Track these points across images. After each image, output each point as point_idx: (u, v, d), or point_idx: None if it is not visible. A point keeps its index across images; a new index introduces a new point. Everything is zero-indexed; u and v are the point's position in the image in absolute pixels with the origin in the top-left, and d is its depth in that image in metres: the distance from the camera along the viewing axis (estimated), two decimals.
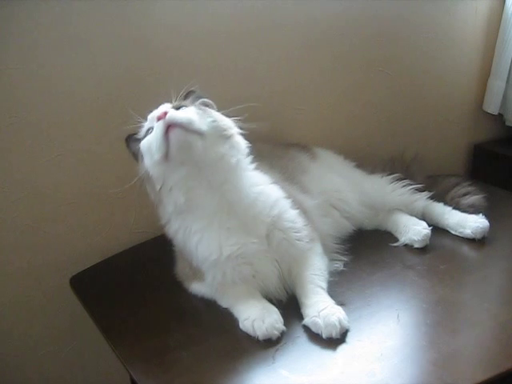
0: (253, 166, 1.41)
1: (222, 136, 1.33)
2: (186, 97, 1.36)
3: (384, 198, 1.76)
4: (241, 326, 1.28)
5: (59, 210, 1.63)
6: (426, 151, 2.06)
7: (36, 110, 1.54)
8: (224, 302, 1.37)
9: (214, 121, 1.32)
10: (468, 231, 1.64)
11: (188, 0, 1.68)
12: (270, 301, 1.33)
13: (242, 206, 1.33)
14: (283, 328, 1.24)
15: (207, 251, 1.33)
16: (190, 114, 1.29)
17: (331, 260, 1.48)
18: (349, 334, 1.22)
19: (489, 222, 1.65)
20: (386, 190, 1.78)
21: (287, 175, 1.58)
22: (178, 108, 1.31)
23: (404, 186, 1.79)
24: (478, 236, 1.63)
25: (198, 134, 1.27)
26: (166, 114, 1.26)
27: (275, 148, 1.74)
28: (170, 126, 1.25)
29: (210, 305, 1.38)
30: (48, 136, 1.58)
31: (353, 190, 1.75)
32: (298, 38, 1.91)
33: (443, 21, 2.19)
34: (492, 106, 2.32)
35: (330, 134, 2.06)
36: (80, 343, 1.76)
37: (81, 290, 1.54)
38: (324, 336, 1.20)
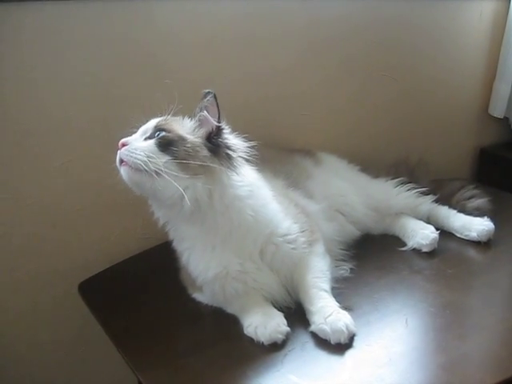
0: (245, 185, 1.33)
1: (185, 172, 1.22)
2: (203, 97, 1.31)
3: (389, 202, 1.77)
4: (245, 332, 1.28)
5: (67, 216, 1.64)
6: (431, 155, 2.07)
7: (43, 117, 1.55)
8: (228, 309, 1.37)
9: (173, 158, 1.22)
10: (473, 234, 1.65)
11: (190, 5, 1.68)
12: (279, 308, 1.32)
13: (229, 228, 1.30)
14: (287, 329, 1.25)
15: (195, 271, 1.34)
16: (140, 154, 1.21)
17: (336, 266, 1.48)
18: (357, 339, 1.22)
19: (494, 224, 1.65)
20: (391, 193, 1.79)
21: (291, 181, 1.58)
22: (152, 135, 1.28)
23: (409, 189, 1.80)
24: (484, 239, 1.64)
25: (147, 173, 1.21)
26: (123, 145, 1.26)
27: (279, 153, 1.75)
28: (122, 160, 1.25)
29: (217, 310, 1.38)
30: (56, 142, 1.59)
31: (358, 194, 1.75)
32: (303, 44, 1.91)
33: (448, 25, 2.19)
34: (498, 110, 2.32)
35: (335, 138, 2.07)
36: (88, 349, 1.77)
37: (89, 296, 1.54)
38: (332, 342, 1.20)
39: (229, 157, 1.29)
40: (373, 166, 1.91)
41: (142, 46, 1.64)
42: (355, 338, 1.22)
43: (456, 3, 2.18)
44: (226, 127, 1.32)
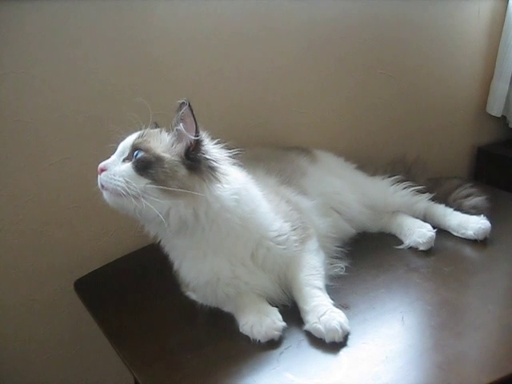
0: (232, 194, 1.29)
1: (165, 195, 1.21)
2: (179, 109, 1.25)
3: (385, 200, 1.77)
4: (241, 330, 1.27)
5: (63, 213, 1.64)
6: (429, 153, 2.07)
7: (40, 114, 1.55)
8: (223, 308, 1.36)
9: (151, 181, 1.20)
10: (470, 232, 1.66)
11: (189, 4, 1.68)
12: (275, 305, 1.32)
13: (219, 238, 1.29)
14: (283, 325, 1.25)
15: (187, 277, 1.34)
16: (119, 180, 1.20)
17: (331, 264, 1.48)
18: (353, 337, 1.22)
19: (491, 223, 1.66)
20: (388, 191, 1.79)
21: (284, 178, 1.57)
22: (130, 156, 1.25)
23: (405, 187, 1.80)
24: (480, 237, 1.65)
25: (127, 197, 1.20)
26: (101, 170, 1.23)
27: (274, 151, 1.75)
28: (103, 185, 1.24)
29: (213, 308, 1.37)
30: (52, 140, 1.58)
31: (353, 191, 1.74)
32: (301, 42, 1.91)
33: (446, 23, 2.19)
34: (495, 108, 2.33)
35: (332, 136, 2.07)
36: (84, 346, 1.77)
37: (85, 293, 1.54)
38: (327, 341, 1.20)
39: (211, 169, 1.26)
40: (370, 164, 1.92)
41: (140, 44, 1.64)
42: (351, 336, 1.22)
43: (454, 2, 2.18)
44: (206, 138, 1.28)
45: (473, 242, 1.65)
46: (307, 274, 1.33)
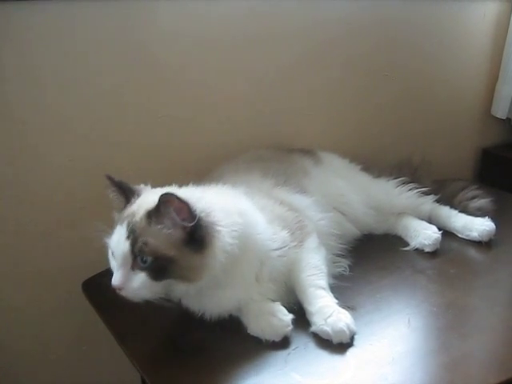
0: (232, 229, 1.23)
1: (186, 282, 1.20)
2: (163, 204, 1.15)
3: (390, 202, 1.77)
4: (250, 332, 1.27)
5: (71, 214, 1.64)
6: (433, 155, 2.07)
7: (47, 116, 1.56)
8: None
9: (171, 279, 1.18)
10: (475, 234, 1.66)
11: (192, 6, 1.68)
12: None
13: (224, 275, 1.24)
14: (290, 317, 1.24)
15: (191, 309, 1.32)
16: (142, 292, 1.18)
17: (335, 263, 1.48)
18: (360, 338, 1.22)
19: (496, 225, 1.66)
20: (393, 193, 1.79)
21: (281, 179, 1.55)
22: (139, 262, 1.16)
23: (410, 189, 1.80)
24: (485, 239, 1.65)
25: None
26: (119, 289, 1.20)
27: (277, 153, 1.75)
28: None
29: None
30: (59, 142, 1.59)
31: (358, 193, 1.74)
32: (306, 44, 1.91)
33: (451, 25, 2.20)
34: (500, 111, 2.33)
35: (337, 138, 2.07)
36: (91, 347, 1.77)
37: (93, 294, 1.54)
38: (334, 342, 1.21)
39: (210, 227, 1.20)
40: (375, 165, 1.91)
41: (144, 46, 1.64)
42: (358, 337, 1.22)
43: (459, 4, 2.18)
44: (197, 212, 1.18)
45: (478, 244, 1.65)
46: (309, 274, 1.32)
